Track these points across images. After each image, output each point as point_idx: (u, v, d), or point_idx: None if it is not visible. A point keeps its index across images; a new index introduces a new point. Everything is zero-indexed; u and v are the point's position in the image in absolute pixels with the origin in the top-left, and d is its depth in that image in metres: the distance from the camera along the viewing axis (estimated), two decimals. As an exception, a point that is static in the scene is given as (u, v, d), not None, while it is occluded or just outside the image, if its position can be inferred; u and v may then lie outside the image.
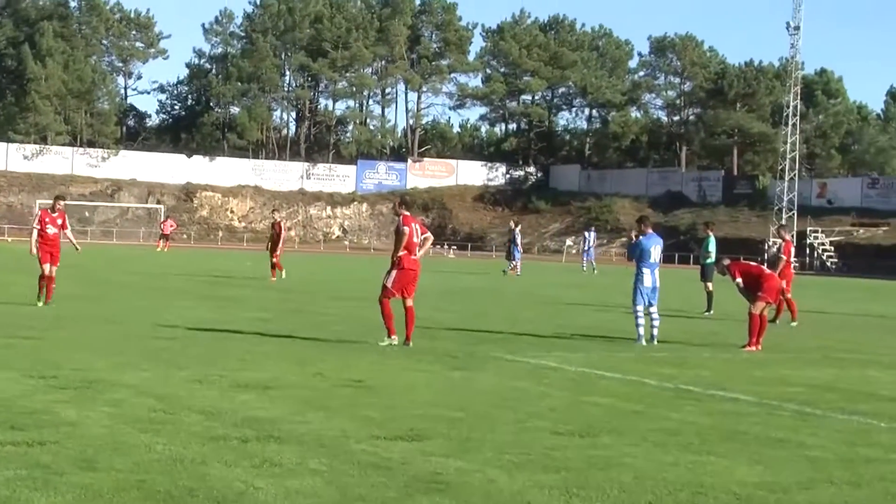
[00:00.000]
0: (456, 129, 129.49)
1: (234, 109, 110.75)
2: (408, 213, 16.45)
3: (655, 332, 17.90)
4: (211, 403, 10.27)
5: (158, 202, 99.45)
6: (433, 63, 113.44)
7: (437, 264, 54.71)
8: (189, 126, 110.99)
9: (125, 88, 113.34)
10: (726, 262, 18.69)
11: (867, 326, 25.45)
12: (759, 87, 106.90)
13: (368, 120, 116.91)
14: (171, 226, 75.12)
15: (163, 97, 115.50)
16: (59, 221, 21.91)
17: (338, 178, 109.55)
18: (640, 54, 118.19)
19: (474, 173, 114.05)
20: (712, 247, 27.54)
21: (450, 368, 13.80)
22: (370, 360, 14.14)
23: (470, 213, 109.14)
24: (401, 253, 16.13)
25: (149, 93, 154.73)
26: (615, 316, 23.95)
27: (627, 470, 8.08)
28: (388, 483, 7.39)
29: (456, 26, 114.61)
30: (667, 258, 53.08)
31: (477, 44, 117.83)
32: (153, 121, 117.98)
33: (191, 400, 10.45)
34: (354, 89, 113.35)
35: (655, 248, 18.11)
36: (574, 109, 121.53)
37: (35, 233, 22.11)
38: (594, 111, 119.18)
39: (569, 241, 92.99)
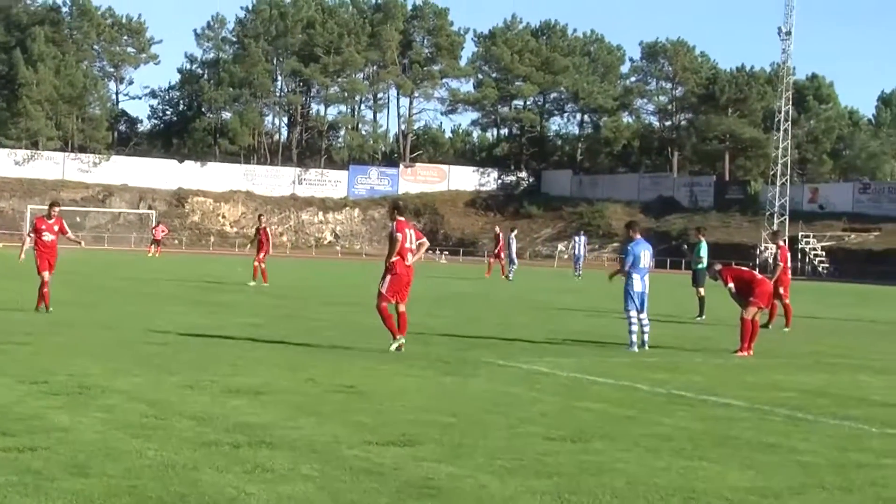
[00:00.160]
0: (448, 134, 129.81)
1: (226, 115, 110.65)
2: (402, 219, 16.47)
3: (646, 337, 17.99)
4: (202, 409, 10.26)
5: (150, 207, 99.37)
6: (425, 68, 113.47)
7: (429, 270, 54.69)
8: (181, 131, 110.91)
9: (117, 93, 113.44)
10: (718, 267, 18.73)
11: (858, 331, 25.50)
12: (750, 92, 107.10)
13: (360, 125, 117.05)
14: (163, 231, 74.92)
15: (154, 102, 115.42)
16: (56, 228, 21.87)
17: (329, 183, 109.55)
18: (631, 59, 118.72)
19: (466, 178, 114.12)
20: (704, 252, 27.58)
21: (442, 374, 13.80)
22: (362, 366, 14.14)
23: (462, 218, 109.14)
24: (394, 258, 16.14)
25: (140, 98, 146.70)
26: (607, 321, 23.95)
27: (619, 475, 8.09)
28: (379, 488, 7.39)
29: (448, 31, 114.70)
30: (659, 263, 53.08)
31: (469, 49, 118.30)
32: (145, 126, 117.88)
33: (182, 405, 10.44)
34: (346, 94, 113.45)
35: (645, 254, 18.21)
36: (566, 115, 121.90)
37: (28, 241, 22.07)
38: (586, 116, 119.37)
39: (560, 247, 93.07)
